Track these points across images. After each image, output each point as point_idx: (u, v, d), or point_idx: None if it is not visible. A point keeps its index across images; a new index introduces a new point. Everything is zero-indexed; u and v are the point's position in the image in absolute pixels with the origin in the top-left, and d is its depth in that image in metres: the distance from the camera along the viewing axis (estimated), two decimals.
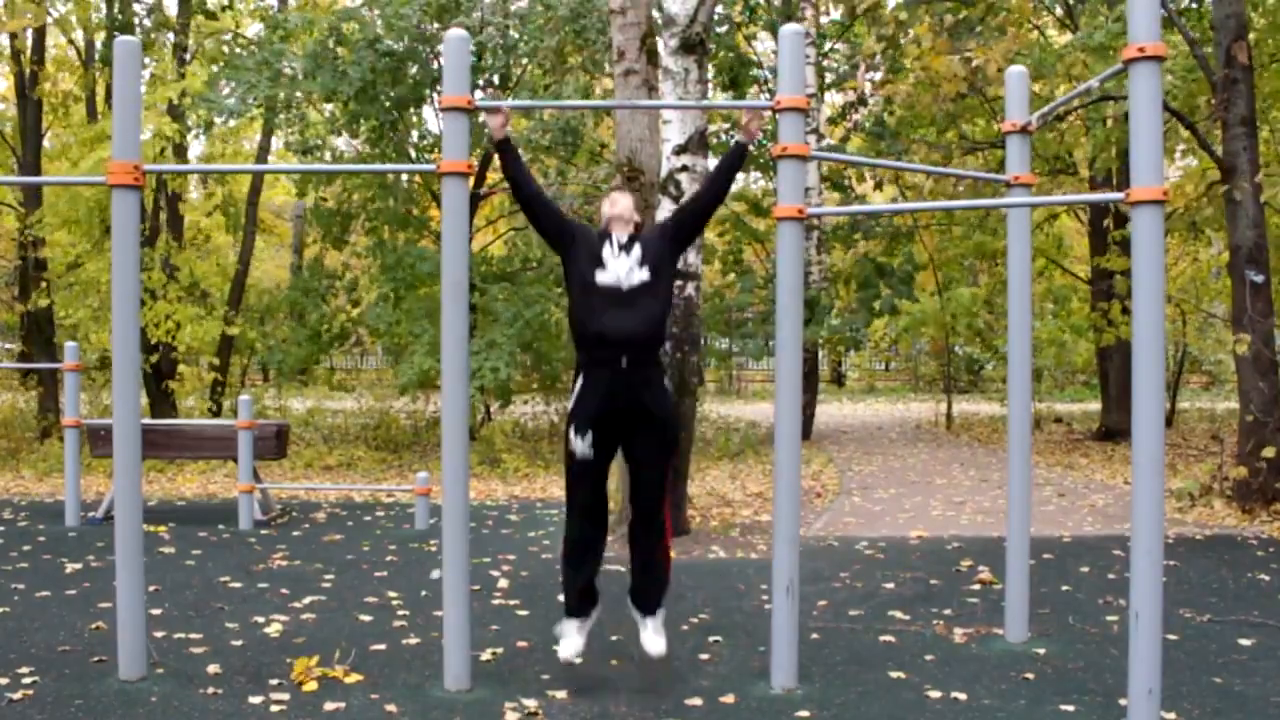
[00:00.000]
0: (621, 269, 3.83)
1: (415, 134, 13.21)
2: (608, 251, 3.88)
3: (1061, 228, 17.56)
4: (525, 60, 11.65)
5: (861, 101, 15.62)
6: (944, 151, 10.32)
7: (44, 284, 12.82)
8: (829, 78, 15.74)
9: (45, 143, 13.38)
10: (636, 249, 3.89)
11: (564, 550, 4.02)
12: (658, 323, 3.86)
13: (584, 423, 3.80)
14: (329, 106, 12.18)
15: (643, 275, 3.83)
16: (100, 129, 12.06)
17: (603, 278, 3.83)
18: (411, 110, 12.70)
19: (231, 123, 13.40)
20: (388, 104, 11.75)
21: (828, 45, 15.59)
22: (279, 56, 11.26)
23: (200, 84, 12.12)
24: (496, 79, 12.34)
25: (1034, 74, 8.98)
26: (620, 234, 3.93)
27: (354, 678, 3.93)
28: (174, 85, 12.08)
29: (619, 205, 3.99)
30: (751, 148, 4.10)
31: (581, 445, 3.80)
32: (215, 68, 13.12)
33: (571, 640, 3.93)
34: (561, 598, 5.25)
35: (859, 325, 14.24)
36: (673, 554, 4.16)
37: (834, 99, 15.93)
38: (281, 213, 23.60)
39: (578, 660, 3.97)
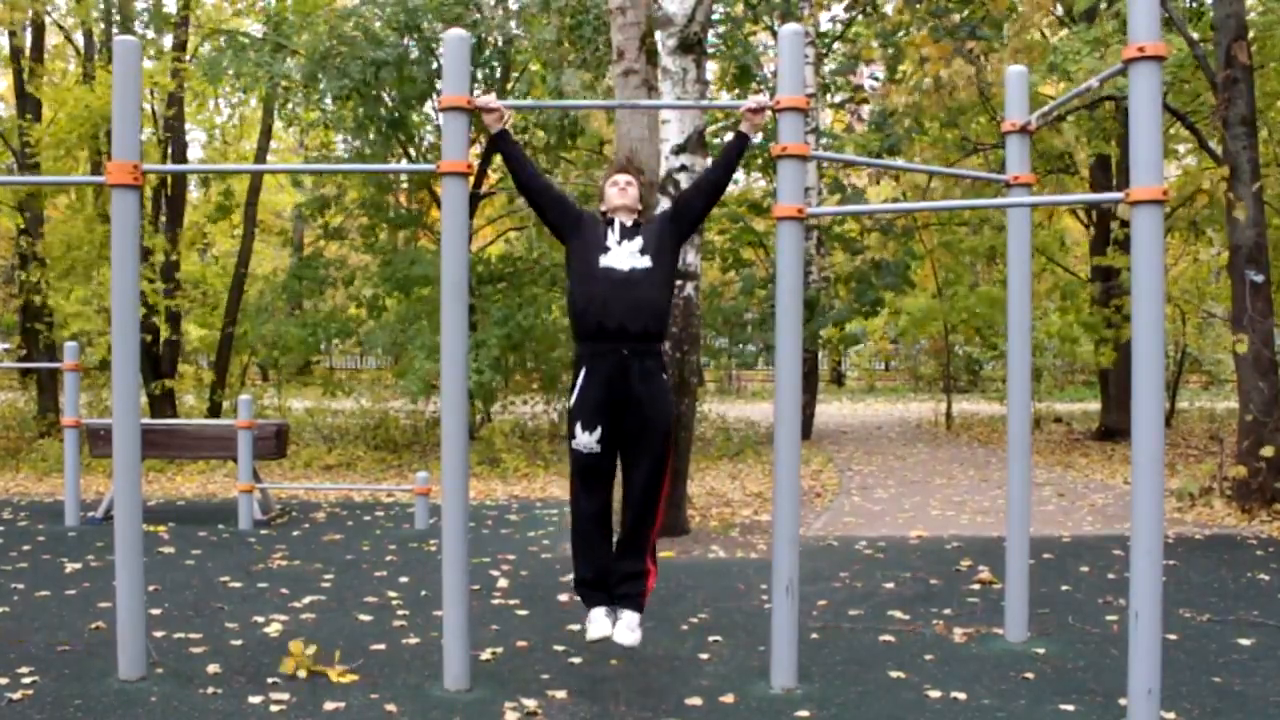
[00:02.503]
0: (624, 255, 3.81)
1: (418, 135, 13.19)
2: (611, 238, 3.86)
3: (1063, 227, 17.56)
4: (521, 57, 11.64)
5: (863, 101, 15.63)
6: (945, 150, 10.33)
7: (42, 279, 12.84)
8: (830, 75, 15.75)
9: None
10: (639, 238, 3.87)
11: (574, 548, 3.95)
12: (659, 310, 3.83)
13: (590, 416, 3.76)
14: (329, 103, 12.17)
15: (644, 262, 3.81)
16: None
17: (605, 262, 3.80)
18: (414, 111, 12.67)
19: (233, 115, 13.45)
20: (389, 103, 11.72)
21: (826, 45, 15.60)
22: (287, 37, 11.26)
23: (202, 54, 12.21)
24: (497, 74, 12.34)
25: (1038, 75, 8.96)
26: (625, 219, 3.91)
27: (353, 678, 3.92)
28: (165, 69, 12.16)
29: (628, 195, 3.96)
30: (753, 139, 4.08)
31: (588, 439, 3.76)
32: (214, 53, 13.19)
33: (599, 624, 3.87)
34: (562, 597, 5.28)
35: (846, 316, 14.22)
36: (660, 555, 4.11)
37: (834, 98, 15.95)
38: (283, 213, 23.62)
39: (609, 636, 3.89)
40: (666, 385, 3.90)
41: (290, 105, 11.97)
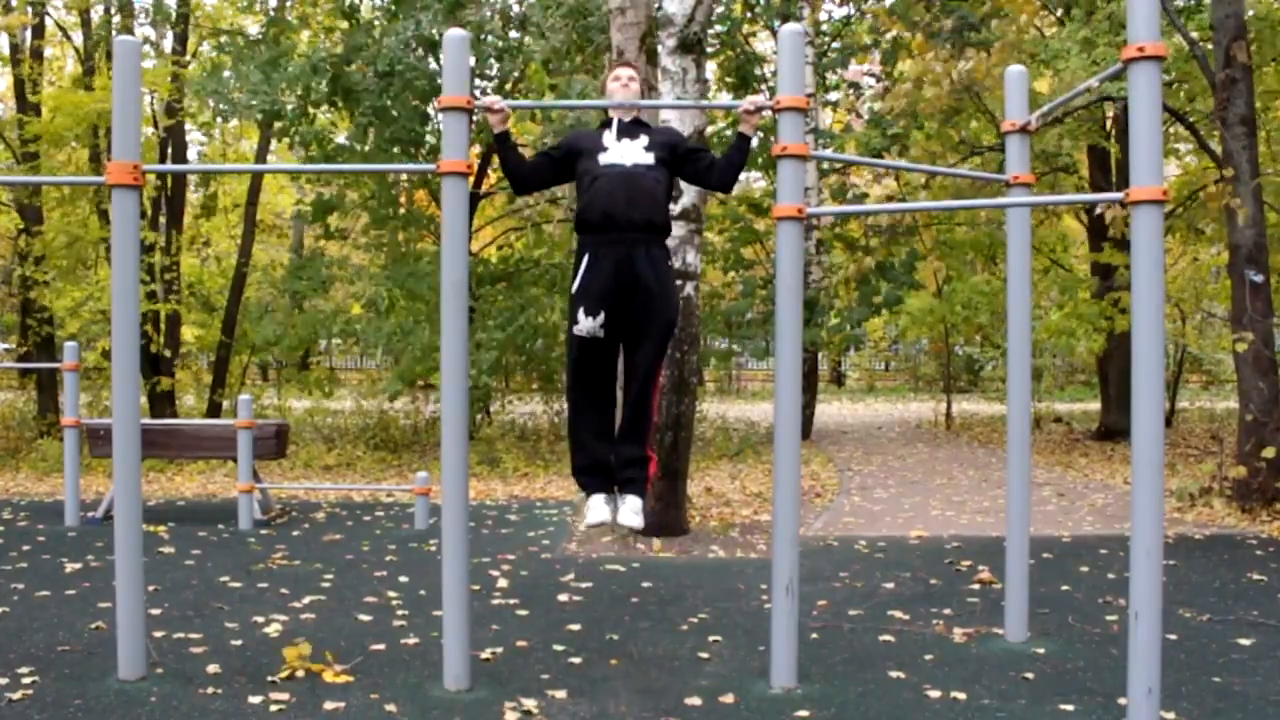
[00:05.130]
0: (625, 151, 3.86)
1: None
2: (609, 138, 3.90)
3: (1065, 228, 17.57)
4: (525, 62, 11.58)
5: (857, 91, 15.64)
6: (944, 149, 10.32)
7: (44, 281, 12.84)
8: (830, 74, 15.77)
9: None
10: (642, 137, 3.90)
11: (573, 438, 3.97)
12: (661, 203, 3.87)
13: (594, 302, 3.79)
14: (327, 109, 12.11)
15: (648, 159, 3.85)
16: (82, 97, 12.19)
17: (605, 159, 3.85)
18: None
19: (232, 123, 13.43)
20: (401, 116, 11.65)
21: (825, 43, 15.61)
22: (285, 53, 11.24)
23: (202, 66, 12.21)
24: (495, 82, 12.30)
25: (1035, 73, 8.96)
26: (624, 116, 3.94)
27: (353, 678, 3.92)
28: (166, 71, 12.13)
29: (630, 89, 4.01)
30: (753, 141, 4.10)
31: (591, 324, 3.78)
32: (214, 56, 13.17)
33: (598, 510, 3.88)
34: (562, 597, 5.28)
35: (858, 319, 14.23)
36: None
37: (833, 96, 15.95)
38: (283, 214, 23.62)
39: (607, 521, 3.91)
40: (672, 275, 3.94)
41: (290, 115, 11.89)
